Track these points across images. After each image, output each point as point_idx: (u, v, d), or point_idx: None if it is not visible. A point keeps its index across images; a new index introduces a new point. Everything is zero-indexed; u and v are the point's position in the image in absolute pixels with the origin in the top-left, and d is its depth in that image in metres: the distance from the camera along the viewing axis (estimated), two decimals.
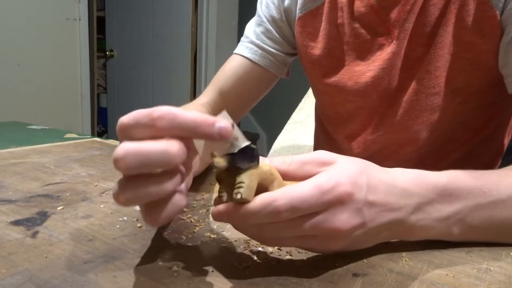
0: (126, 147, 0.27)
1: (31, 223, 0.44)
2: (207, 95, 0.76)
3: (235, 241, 0.41)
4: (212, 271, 0.35)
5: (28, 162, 0.69)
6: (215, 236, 0.42)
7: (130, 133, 0.29)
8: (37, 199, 0.52)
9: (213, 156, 0.31)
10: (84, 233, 0.42)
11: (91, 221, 0.45)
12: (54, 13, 2.54)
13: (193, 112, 0.29)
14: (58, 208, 0.49)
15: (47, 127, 1.09)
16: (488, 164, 0.72)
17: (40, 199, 0.51)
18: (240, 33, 3.29)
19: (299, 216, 0.32)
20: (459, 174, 0.41)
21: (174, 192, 0.30)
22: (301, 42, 0.73)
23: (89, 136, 0.93)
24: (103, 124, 3.51)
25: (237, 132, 0.31)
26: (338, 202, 0.33)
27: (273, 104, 2.19)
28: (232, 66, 0.76)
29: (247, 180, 0.31)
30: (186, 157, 0.29)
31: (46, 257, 0.37)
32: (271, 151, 1.27)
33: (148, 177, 0.29)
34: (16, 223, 0.44)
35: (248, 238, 0.41)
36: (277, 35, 0.76)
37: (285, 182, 0.35)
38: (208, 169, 0.67)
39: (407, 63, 0.63)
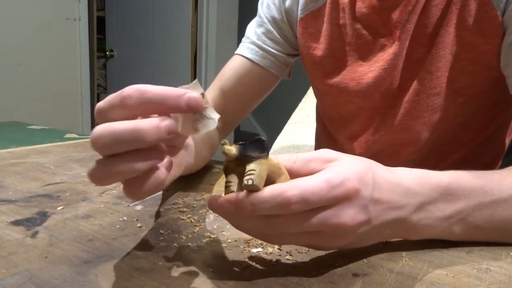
0: (100, 128, 0.29)
1: (31, 223, 0.44)
2: (208, 94, 0.76)
3: (235, 241, 0.41)
4: (212, 271, 0.35)
5: (28, 162, 0.69)
6: (215, 236, 0.42)
7: (105, 116, 0.31)
8: (37, 199, 0.52)
9: (223, 143, 0.31)
10: (84, 233, 0.42)
11: (91, 221, 0.45)
12: (54, 13, 2.54)
13: (162, 87, 0.30)
14: (58, 208, 0.49)
15: (47, 127, 1.09)
16: (489, 164, 0.72)
17: (40, 199, 0.51)
18: (240, 33, 3.27)
19: (307, 210, 0.32)
20: (461, 174, 0.41)
21: (153, 168, 0.31)
22: (303, 43, 0.73)
23: (89, 136, 0.92)
24: None
25: (208, 103, 0.31)
26: (346, 197, 0.33)
27: (273, 104, 2.18)
28: (233, 67, 0.76)
29: (257, 168, 0.31)
30: (168, 136, 0.29)
31: (46, 257, 0.37)
32: (271, 151, 1.27)
33: (122, 155, 0.29)
34: (16, 223, 0.44)
35: (248, 238, 0.41)
36: (278, 35, 0.76)
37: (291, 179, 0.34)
38: (208, 169, 0.67)
39: (409, 63, 0.63)
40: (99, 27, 3.19)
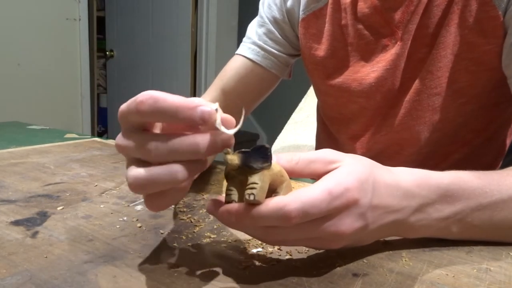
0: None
1: (31, 223, 0.44)
2: (209, 94, 0.76)
3: (235, 241, 0.41)
4: (212, 271, 0.35)
5: (28, 162, 0.69)
6: (215, 236, 0.42)
7: (126, 119, 0.32)
8: (37, 199, 0.52)
9: (226, 152, 0.31)
10: (84, 233, 0.42)
11: (91, 221, 0.45)
12: (54, 13, 2.54)
13: (176, 96, 0.30)
14: (58, 208, 0.49)
15: (47, 127, 1.09)
16: (489, 164, 0.72)
17: (40, 199, 0.51)
18: (240, 33, 3.27)
19: (307, 221, 0.32)
20: (461, 175, 0.41)
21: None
22: (305, 43, 0.73)
23: (89, 136, 0.93)
24: (103, 124, 3.50)
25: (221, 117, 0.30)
26: (345, 207, 0.33)
27: (273, 104, 2.18)
28: (234, 67, 0.76)
29: (260, 181, 0.30)
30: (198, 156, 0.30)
31: (46, 257, 0.37)
32: (271, 151, 1.26)
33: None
34: (16, 223, 0.44)
35: (248, 238, 0.41)
36: (279, 36, 0.76)
37: (292, 183, 0.34)
38: (208, 169, 0.67)
39: (410, 63, 0.63)
40: (99, 27, 3.19)
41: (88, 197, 0.53)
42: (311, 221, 0.32)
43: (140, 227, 0.44)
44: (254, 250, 0.39)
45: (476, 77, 0.60)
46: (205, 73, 3.06)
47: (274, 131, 1.43)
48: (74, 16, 2.65)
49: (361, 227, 0.34)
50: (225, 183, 0.33)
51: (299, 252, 0.39)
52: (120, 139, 0.32)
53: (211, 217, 0.48)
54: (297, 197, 0.31)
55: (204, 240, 0.41)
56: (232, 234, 0.43)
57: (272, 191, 0.32)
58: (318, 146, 0.88)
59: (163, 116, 0.30)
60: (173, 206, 0.51)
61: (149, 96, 0.29)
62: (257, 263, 0.37)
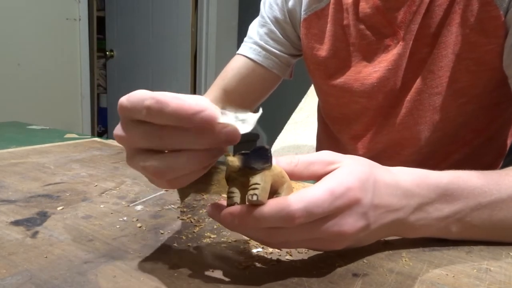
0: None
1: (31, 223, 0.44)
2: (211, 94, 0.77)
3: (235, 241, 0.41)
4: (212, 271, 0.35)
5: (28, 162, 0.69)
6: (215, 236, 0.42)
7: (128, 114, 0.31)
8: (37, 199, 0.52)
9: (226, 155, 0.31)
10: (84, 233, 0.42)
11: (91, 221, 0.45)
12: (54, 13, 2.54)
13: (182, 100, 0.29)
14: (58, 208, 0.49)
15: (47, 127, 1.09)
16: (490, 164, 0.72)
17: (40, 199, 0.51)
18: (240, 33, 3.27)
19: (310, 221, 0.32)
20: (460, 174, 0.41)
21: None
22: (307, 43, 0.73)
23: (89, 136, 0.93)
24: (103, 124, 3.50)
25: (230, 118, 0.30)
26: (347, 207, 0.33)
27: (273, 104, 2.18)
28: (235, 67, 0.76)
29: (261, 181, 0.30)
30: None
31: (46, 257, 0.37)
32: (271, 151, 1.26)
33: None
34: (16, 223, 0.44)
35: (248, 238, 0.41)
36: (280, 36, 0.76)
37: (293, 184, 0.34)
38: (208, 170, 0.67)
39: (412, 63, 0.63)
40: (99, 27, 3.19)
41: (88, 197, 0.53)
42: (314, 221, 0.32)
43: (140, 227, 0.44)
44: (254, 250, 0.39)
45: (477, 77, 0.60)
46: (205, 73, 3.06)
47: (274, 131, 1.43)
48: (74, 16, 2.65)
49: (363, 227, 0.34)
50: (225, 184, 0.33)
51: (299, 252, 0.39)
52: (120, 130, 0.32)
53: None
54: (300, 197, 0.31)
55: (204, 240, 0.41)
56: (232, 234, 0.43)
57: (273, 192, 0.32)
58: (319, 146, 0.88)
59: (167, 121, 0.30)
60: (173, 206, 0.51)
61: (156, 100, 0.29)
62: (257, 263, 0.37)
